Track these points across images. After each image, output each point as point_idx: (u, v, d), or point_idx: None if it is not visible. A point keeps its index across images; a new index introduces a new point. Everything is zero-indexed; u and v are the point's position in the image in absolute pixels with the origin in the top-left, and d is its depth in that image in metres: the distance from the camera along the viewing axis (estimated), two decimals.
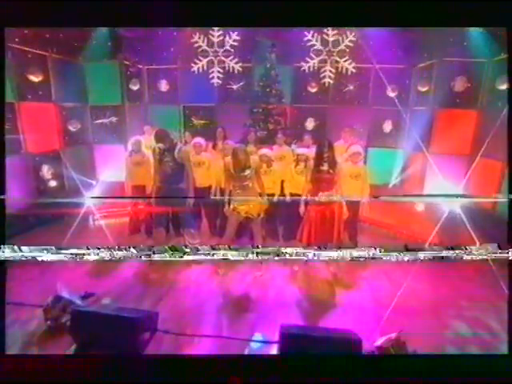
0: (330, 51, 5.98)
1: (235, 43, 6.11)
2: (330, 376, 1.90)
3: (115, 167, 6.47)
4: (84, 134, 6.38)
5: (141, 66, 6.79)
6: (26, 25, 2.48)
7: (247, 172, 3.39)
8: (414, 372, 1.85)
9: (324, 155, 3.37)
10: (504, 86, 5.24)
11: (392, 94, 6.43)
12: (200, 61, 6.27)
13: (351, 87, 6.51)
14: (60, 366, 1.79)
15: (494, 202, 5.32)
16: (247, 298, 3.32)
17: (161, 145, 3.65)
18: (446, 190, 5.30)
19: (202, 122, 7.03)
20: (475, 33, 5.27)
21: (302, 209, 3.66)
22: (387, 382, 1.86)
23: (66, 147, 6.00)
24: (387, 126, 6.63)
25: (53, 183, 5.78)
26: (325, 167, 3.41)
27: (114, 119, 6.45)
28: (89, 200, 4.98)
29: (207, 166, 4.54)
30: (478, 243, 3.82)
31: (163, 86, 6.91)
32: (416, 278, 3.58)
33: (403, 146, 6.64)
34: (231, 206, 3.58)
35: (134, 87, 6.67)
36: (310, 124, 6.78)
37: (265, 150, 4.33)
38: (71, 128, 6.09)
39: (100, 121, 6.43)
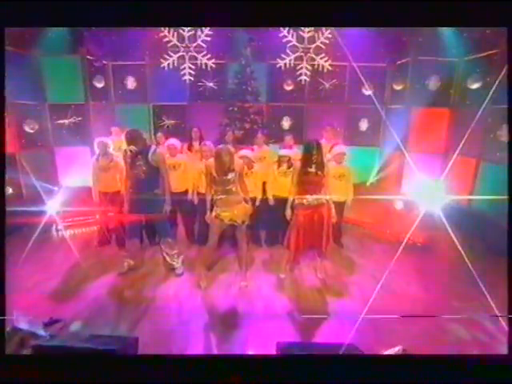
0: (306, 48, 5.83)
1: (207, 38, 5.80)
2: (330, 377, 1.82)
3: (79, 171, 5.98)
4: (43, 136, 5.81)
5: (105, 62, 6.29)
6: (26, 25, 2.35)
7: (231, 175, 3.12)
8: (412, 373, 1.79)
9: (312, 156, 3.17)
10: (474, 86, 5.36)
11: (367, 92, 6.43)
12: (170, 56, 5.91)
13: (327, 85, 6.41)
14: (60, 366, 1.75)
15: (469, 199, 5.45)
16: (235, 312, 3.08)
17: (133, 147, 3.31)
18: (424, 188, 5.33)
19: (173, 121, 6.65)
20: (448, 32, 5.32)
21: (288, 213, 3.45)
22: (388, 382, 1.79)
23: (22, 150, 5.42)
24: (363, 125, 6.61)
25: (8, 190, 5.19)
26: (313, 169, 3.23)
27: (76, 119, 5.93)
28: (50, 208, 4.51)
29: (183, 169, 4.23)
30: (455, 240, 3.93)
31: (130, 83, 6.46)
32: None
33: (379, 144, 6.67)
34: (213, 213, 3.28)
35: (99, 84, 6.17)
36: (286, 123, 6.62)
37: (245, 151, 4.09)
38: (28, 129, 5.51)
39: (61, 121, 5.88)
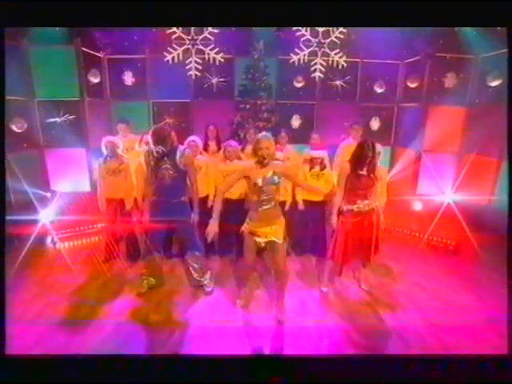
0: (321, 43, 5.53)
1: (215, 30, 5.37)
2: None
3: (75, 176, 5.43)
4: (32, 136, 5.19)
5: (101, 55, 5.74)
6: (26, 25, 2.48)
7: (277, 179, 2.68)
8: (413, 372, 1.82)
9: (367, 159, 2.84)
10: (494, 83, 5.26)
11: (380, 90, 6.23)
12: (175, 50, 5.43)
13: (338, 82, 6.15)
14: (60, 366, 1.74)
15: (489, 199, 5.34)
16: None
17: (161, 147, 2.86)
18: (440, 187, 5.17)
19: (176, 120, 6.18)
20: (466, 31, 5.18)
21: (334, 220, 3.11)
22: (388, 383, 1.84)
23: (9, 152, 4.78)
24: (375, 123, 6.39)
25: None
26: (364, 172, 2.91)
27: (70, 117, 5.34)
28: (44, 217, 3.97)
29: (204, 171, 3.81)
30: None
31: (128, 78, 5.94)
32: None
33: (392, 143, 6.48)
34: (247, 227, 2.75)
35: (94, 79, 5.60)
36: (295, 122, 6.30)
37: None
38: (15, 128, 4.89)
39: (52, 119, 5.27)
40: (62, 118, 5.33)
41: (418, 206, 5.49)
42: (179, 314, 2.93)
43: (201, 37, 5.40)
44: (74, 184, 5.42)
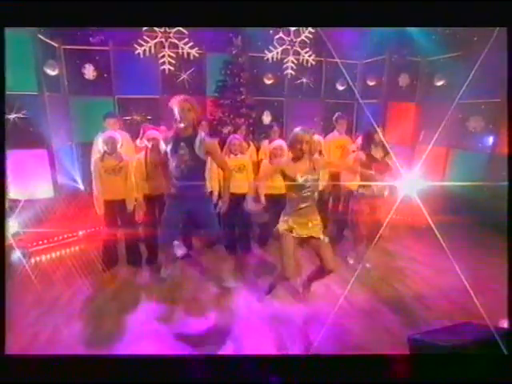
0: (292, 41, 5.75)
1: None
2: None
3: (36, 180, 4.82)
4: None
5: (56, 45, 5.14)
6: (26, 25, 2.40)
7: (317, 176, 2.57)
8: (413, 372, 1.83)
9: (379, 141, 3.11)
10: (440, 83, 6.05)
11: (341, 88, 6.70)
12: (146, 43, 5.14)
13: (305, 80, 6.45)
14: (60, 366, 1.71)
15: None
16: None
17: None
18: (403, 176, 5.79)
19: (144, 117, 5.84)
20: (419, 33, 5.85)
21: (352, 203, 3.31)
22: (389, 383, 1.83)
23: None
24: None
25: None
26: (379, 158, 3.17)
27: (26, 114, 4.68)
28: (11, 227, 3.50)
29: (208, 167, 3.71)
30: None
31: (90, 72, 5.43)
32: None
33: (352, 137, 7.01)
34: (284, 225, 2.64)
35: (52, 72, 5.01)
36: (266, 117, 6.43)
37: (280, 141, 3.83)
38: None
39: (6, 116, 4.56)
40: (17, 115, 4.65)
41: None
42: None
43: (174, 30, 5.22)
44: (35, 190, 4.78)
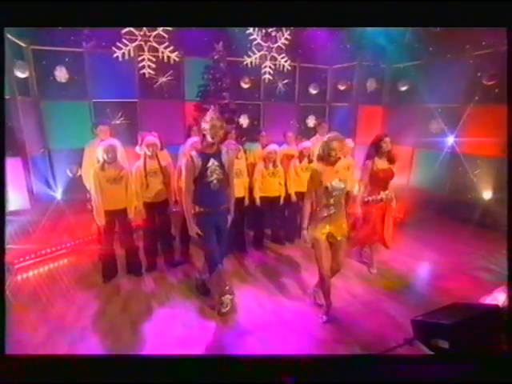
0: (270, 47, 5.92)
1: (169, 28, 5.17)
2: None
3: (11, 190, 4.51)
4: None
5: (24, 45, 4.82)
6: (26, 25, 2.29)
7: (343, 184, 2.61)
8: (413, 372, 1.86)
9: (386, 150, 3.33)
10: (403, 88, 6.58)
11: (314, 92, 7.00)
12: (125, 46, 5.00)
13: (281, 84, 6.66)
14: (61, 366, 1.72)
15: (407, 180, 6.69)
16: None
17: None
18: None
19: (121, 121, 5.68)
20: (386, 41, 6.28)
21: (358, 210, 3.46)
22: (389, 383, 1.86)
23: None
24: (311, 121, 7.14)
25: None
26: (385, 165, 3.40)
27: None
28: None
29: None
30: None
31: (62, 74, 5.15)
32: None
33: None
34: (321, 230, 2.66)
35: (21, 74, 4.69)
36: (244, 121, 6.55)
37: (273, 146, 3.99)
38: None
39: None
40: None
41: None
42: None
43: (154, 33, 5.14)
44: (10, 202, 4.47)
